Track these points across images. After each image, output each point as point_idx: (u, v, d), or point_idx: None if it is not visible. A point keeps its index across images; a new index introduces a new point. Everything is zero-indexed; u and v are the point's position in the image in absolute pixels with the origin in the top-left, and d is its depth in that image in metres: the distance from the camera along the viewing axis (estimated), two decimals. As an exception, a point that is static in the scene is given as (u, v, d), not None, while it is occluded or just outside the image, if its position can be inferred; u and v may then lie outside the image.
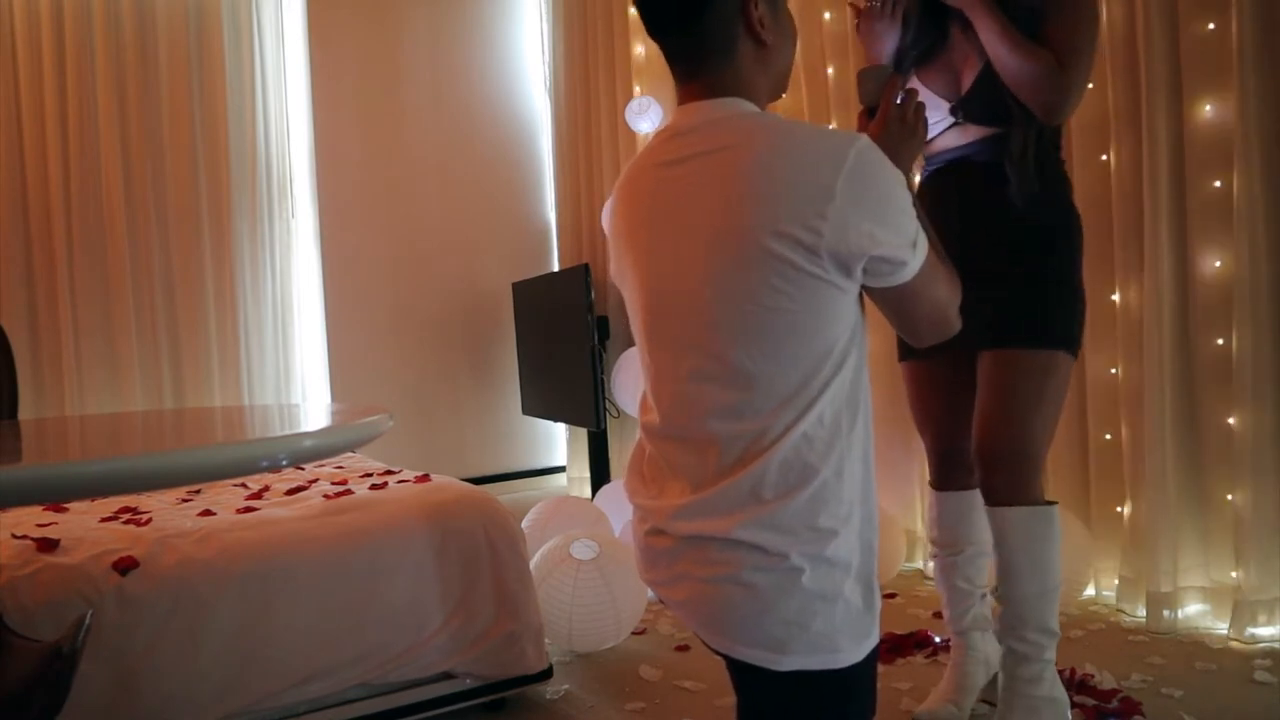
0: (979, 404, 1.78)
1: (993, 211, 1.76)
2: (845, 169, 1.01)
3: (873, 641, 1.09)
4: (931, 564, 2.01)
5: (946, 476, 1.96)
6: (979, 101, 1.75)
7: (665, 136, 1.16)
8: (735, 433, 1.06)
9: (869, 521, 1.10)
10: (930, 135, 1.82)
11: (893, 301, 1.13)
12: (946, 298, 1.15)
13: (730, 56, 1.12)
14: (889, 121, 1.26)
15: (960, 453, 1.90)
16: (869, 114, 1.32)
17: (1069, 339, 1.76)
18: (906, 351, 1.97)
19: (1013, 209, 1.74)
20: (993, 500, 1.74)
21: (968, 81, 1.77)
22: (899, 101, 1.27)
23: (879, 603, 1.11)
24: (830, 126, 3.40)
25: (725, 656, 1.12)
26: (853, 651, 1.06)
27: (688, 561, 1.10)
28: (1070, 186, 1.83)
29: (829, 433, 1.06)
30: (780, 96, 1.22)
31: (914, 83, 1.81)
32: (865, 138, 1.04)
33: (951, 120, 1.80)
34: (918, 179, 1.95)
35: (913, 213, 1.08)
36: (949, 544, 1.95)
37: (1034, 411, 1.72)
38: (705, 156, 1.09)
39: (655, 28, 1.15)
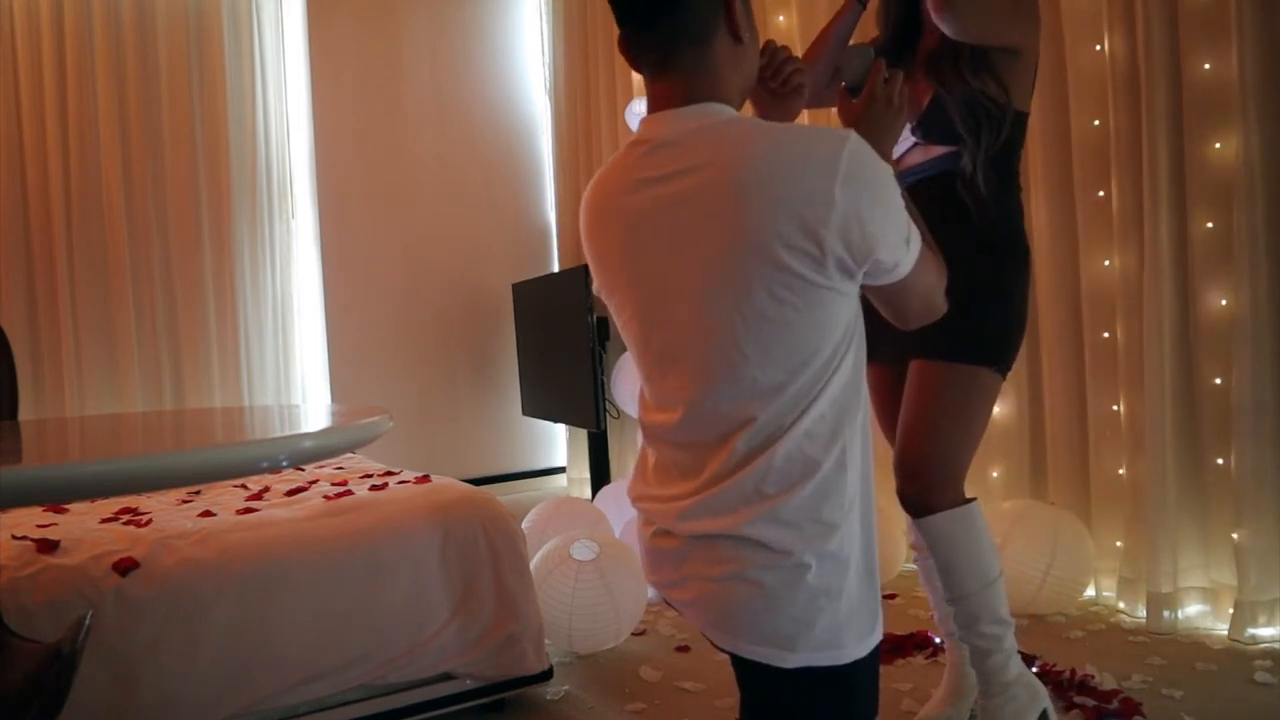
0: (902, 415, 1.80)
1: (940, 225, 1.79)
2: (840, 174, 1.00)
3: (876, 637, 1.09)
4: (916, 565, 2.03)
5: None
6: (933, 122, 1.81)
7: (643, 149, 1.12)
8: (746, 438, 1.07)
9: (869, 515, 1.11)
10: (899, 152, 1.88)
11: (886, 294, 1.14)
12: (935, 284, 1.16)
13: (707, 49, 1.09)
14: (875, 100, 1.24)
15: None
16: (850, 92, 1.31)
17: (995, 356, 1.75)
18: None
19: (957, 226, 1.76)
20: (917, 511, 1.76)
21: (923, 105, 1.83)
22: (884, 82, 1.25)
23: (879, 595, 1.11)
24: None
25: (730, 654, 1.12)
26: (856, 647, 1.07)
27: (696, 562, 1.10)
28: (1022, 214, 1.86)
29: (830, 427, 1.06)
30: (744, 103, 1.19)
31: None
32: (854, 135, 1.03)
33: (912, 140, 1.87)
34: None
35: (903, 206, 1.08)
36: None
37: (952, 426, 1.74)
38: (694, 172, 1.06)
39: (628, 12, 1.11)
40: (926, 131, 1.83)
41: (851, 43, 1.90)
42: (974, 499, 1.77)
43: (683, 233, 1.07)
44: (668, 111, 1.11)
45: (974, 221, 1.77)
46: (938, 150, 1.83)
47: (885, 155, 1.22)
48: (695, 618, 1.13)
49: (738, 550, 1.06)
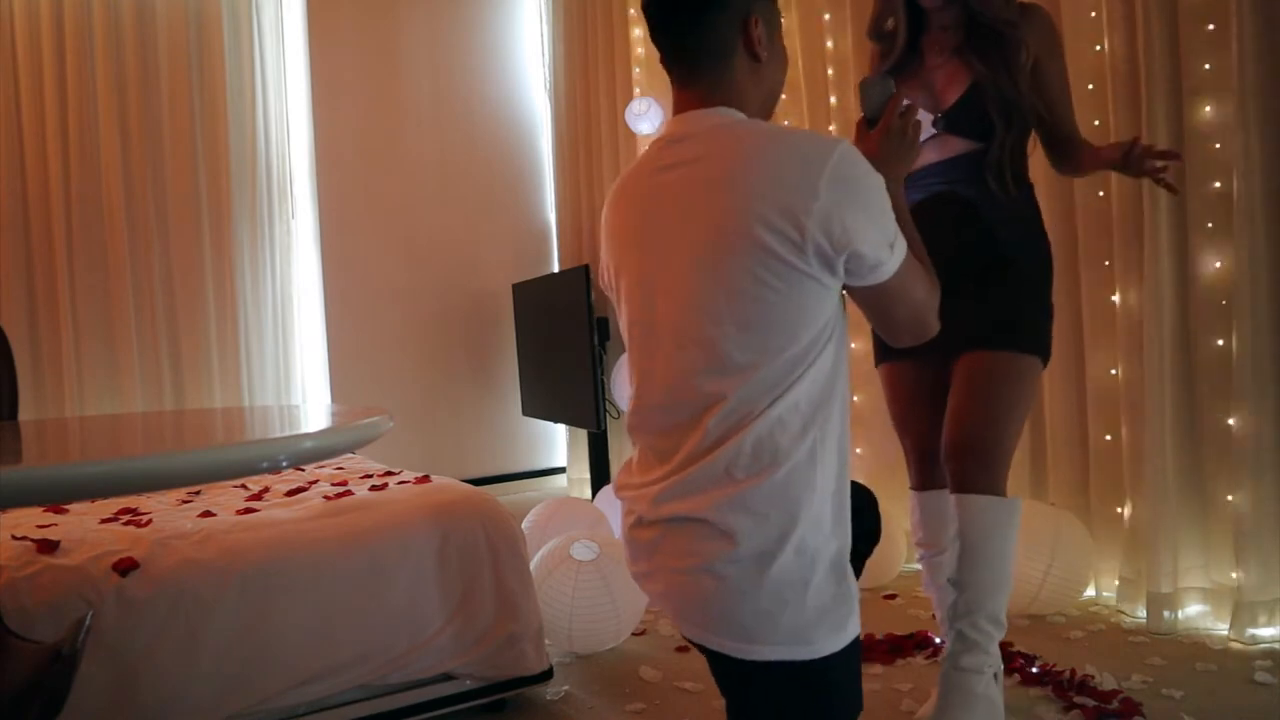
0: (953, 401, 1.85)
1: (976, 234, 1.87)
2: (828, 169, 1.07)
3: (850, 634, 1.11)
4: (919, 565, 2.04)
5: (927, 477, 1.99)
6: (965, 115, 1.83)
7: (661, 144, 1.23)
8: (718, 418, 1.10)
9: (841, 512, 1.13)
10: None
11: (872, 300, 1.18)
12: (925, 300, 1.20)
13: (727, 65, 1.19)
14: (891, 133, 1.32)
15: (940, 453, 1.93)
16: (868, 124, 1.37)
17: (1042, 346, 1.87)
18: (885, 354, 2.02)
19: (993, 231, 1.85)
20: (961, 486, 1.78)
21: (951, 97, 1.85)
22: (900, 115, 1.33)
23: (855, 593, 1.13)
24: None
25: (701, 649, 1.15)
26: (827, 643, 1.08)
27: (665, 553, 1.14)
28: (1040, 213, 1.95)
29: (803, 419, 1.09)
30: (769, 117, 1.27)
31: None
32: (847, 142, 1.11)
33: (932, 132, 1.87)
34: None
35: (892, 215, 1.14)
36: (932, 544, 1.98)
37: (1007, 411, 1.80)
38: (697, 161, 1.16)
39: (660, 29, 1.22)
40: (952, 122, 1.83)
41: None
42: (1019, 497, 1.81)
43: (681, 211, 1.16)
44: (687, 113, 1.21)
45: (998, 225, 1.83)
46: (956, 146, 1.84)
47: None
48: (665, 608, 1.18)
49: (704, 541, 1.09)
